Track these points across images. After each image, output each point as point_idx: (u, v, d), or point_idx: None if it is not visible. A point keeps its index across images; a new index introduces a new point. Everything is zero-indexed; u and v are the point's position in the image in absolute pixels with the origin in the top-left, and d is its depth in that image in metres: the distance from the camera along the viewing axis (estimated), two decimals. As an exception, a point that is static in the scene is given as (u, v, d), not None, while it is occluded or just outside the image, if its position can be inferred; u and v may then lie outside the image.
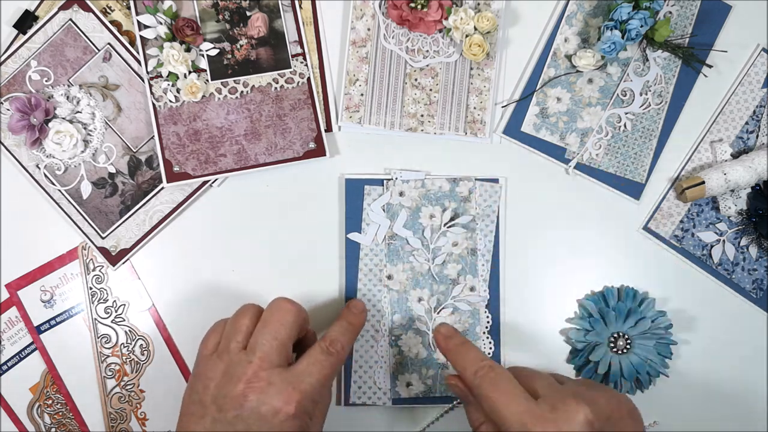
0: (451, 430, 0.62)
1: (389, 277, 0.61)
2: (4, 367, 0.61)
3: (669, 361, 0.61)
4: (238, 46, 0.59)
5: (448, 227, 0.61)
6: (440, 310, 0.61)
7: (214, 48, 0.59)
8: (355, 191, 0.61)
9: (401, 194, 0.60)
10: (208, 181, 0.60)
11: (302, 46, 0.60)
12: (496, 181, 0.61)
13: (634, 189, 0.62)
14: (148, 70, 0.59)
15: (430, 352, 0.61)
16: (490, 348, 0.61)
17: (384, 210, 0.60)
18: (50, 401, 0.61)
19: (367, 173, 0.61)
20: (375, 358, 0.61)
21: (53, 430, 0.61)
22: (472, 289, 0.61)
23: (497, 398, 0.49)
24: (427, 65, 0.60)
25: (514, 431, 0.47)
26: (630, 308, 0.60)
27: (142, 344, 0.61)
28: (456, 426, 0.62)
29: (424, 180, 0.61)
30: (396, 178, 0.60)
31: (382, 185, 0.61)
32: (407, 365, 0.61)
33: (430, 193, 0.61)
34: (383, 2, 0.60)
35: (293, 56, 0.60)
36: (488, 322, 0.61)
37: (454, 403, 0.61)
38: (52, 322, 0.61)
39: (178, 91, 0.59)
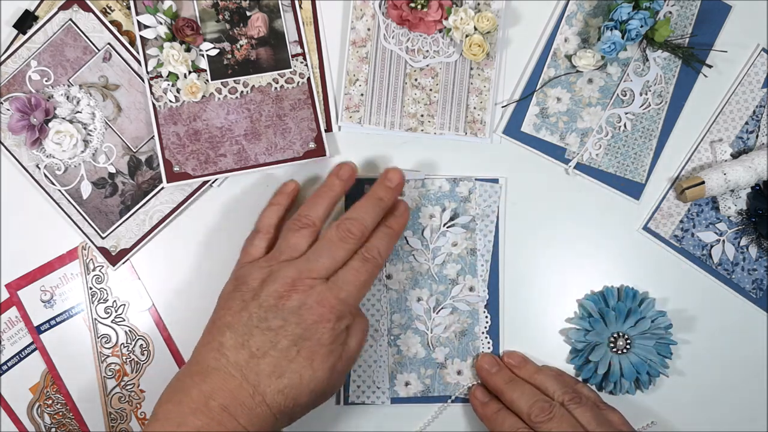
0: (449, 429, 0.62)
1: (388, 277, 0.61)
2: (4, 367, 0.61)
3: (669, 361, 0.61)
4: (238, 46, 0.59)
5: (447, 227, 0.61)
6: (439, 310, 0.61)
7: (214, 48, 0.59)
8: (354, 191, 0.60)
9: (401, 194, 0.60)
10: (208, 181, 0.60)
11: (302, 46, 0.60)
12: (496, 181, 0.61)
13: (634, 189, 0.62)
14: (148, 70, 0.59)
15: (429, 351, 0.61)
16: (489, 348, 0.61)
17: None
18: (50, 401, 0.61)
19: (368, 174, 0.61)
20: (374, 358, 0.61)
21: (53, 430, 0.61)
22: (471, 289, 0.61)
23: None
24: (427, 65, 0.60)
25: None
26: (630, 308, 0.60)
27: (142, 344, 0.61)
28: (453, 424, 0.62)
29: (424, 180, 0.61)
30: None
31: None
32: (406, 365, 0.61)
33: (430, 193, 0.61)
34: (383, 2, 0.60)
35: (293, 56, 0.60)
36: (487, 322, 0.61)
37: (451, 399, 0.61)
38: (52, 322, 0.61)
39: (178, 91, 0.59)
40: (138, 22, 0.58)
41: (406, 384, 0.61)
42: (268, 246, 0.56)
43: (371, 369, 0.61)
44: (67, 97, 0.59)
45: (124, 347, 0.61)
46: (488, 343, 0.61)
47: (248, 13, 0.59)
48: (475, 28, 0.59)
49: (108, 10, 0.60)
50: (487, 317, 0.61)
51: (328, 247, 0.53)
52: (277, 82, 0.60)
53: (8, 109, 0.58)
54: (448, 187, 0.61)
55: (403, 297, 0.61)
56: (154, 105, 0.59)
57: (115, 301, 0.61)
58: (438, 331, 0.61)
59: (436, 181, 0.61)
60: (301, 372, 0.51)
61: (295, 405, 0.51)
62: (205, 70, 0.59)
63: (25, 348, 0.61)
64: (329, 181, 0.57)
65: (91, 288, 0.61)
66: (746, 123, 0.62)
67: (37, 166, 0.59)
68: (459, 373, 0.61)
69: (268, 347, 0.50)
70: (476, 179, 0.61)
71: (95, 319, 0.61)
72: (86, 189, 0.60)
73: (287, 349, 0.50)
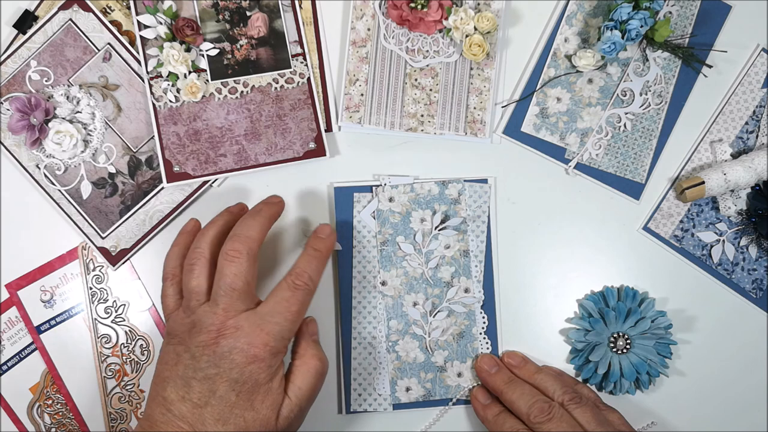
0: (451, 431, 0.62)
1: (383, 284, 0.61)
2: (4, 367, 0.61)
3: (669, 361, 0.61)
4: (238, 46, 0.59)
5: (439, 230, 0.61)
6: (436, 314, 0.61)
7: (214, 48, 0.59)
8: (344, 199, 0.61)
9: (391, 200, 0.60)
10: (208, 181, 0.60)
11: (302, 46, 0.60)
12: (485, 181, 0.61)
13: (634, 189, 0.62)
14: (148, 70, 0.59)
15: (428, 355, 0.61)
16: (488, 348, 0.61)
17: (374, 217, 0.60)
18: (50, 401, 0.61)
19: (364, 177, 0.61)
20: (373, 365, 0.61)
21: (53, 430, 0.61)
22: (466, 290, 0.61)
23: None
24: (427, 65, 0.60)
25: None
26: (630, 308, 0.60)
27: (142, 344, 0.61)
28: (455, 426, 0.62)
29: (413, 184, 0.61)
30: (385, 184, 0.60)
31: (371, 192, 0.61)
32: (406, 370, 0.61)
33: (420, 197, 0.61)
34: (383, 2, 0.60)
35: (293, 56, 0.60)
36: (485, 323, 0.61)
37: (452, 402, 0.61)
38: (52, 322, 0.61)
39: (178, 91, 0.59)
40: (138, 22, 0.58)
41: (407, 389, 0.61)
42: (178, 290, 0.55)
43: (371, 376, 0.61)
44: (67, 97, 0.59)
45: (124, 347, 0.61)
46: (487, 343, 0.61)
47: (248, 13, 0.59)
48: (475, 28, 0.59)
49: (108, 10, 0.60)
50: (484, 318, 0.61)
51: (224, 278, 0.51)
52: (277, 82, 0.60)
53: (8, 109, 0.58)
54: (437, 190, 0.61)
55: (398, 303, 0.61)
56: (154, 105, 0.59)
57: (115, 301, 0.61)
58: (436, 335, 0.61)
59: (425, 184, 0.61)
60: (244, 415, 0.50)
61: None
62: (205, 70, 0.59)
63: (25, 348, 0.61)
64: (219, 214, 0.57)
65: (91, 288, 0.61)
66: (746, 123, 0.62)
67: (37, 166, 0.59)
68: (459, 375, 0.61)
69: (208, 396, 0.50)
70: (465, 180, 0.61)
71: (95, 319, 0.61)
72: (86, 189, 0.60)
73: (226, 395, 0.50)
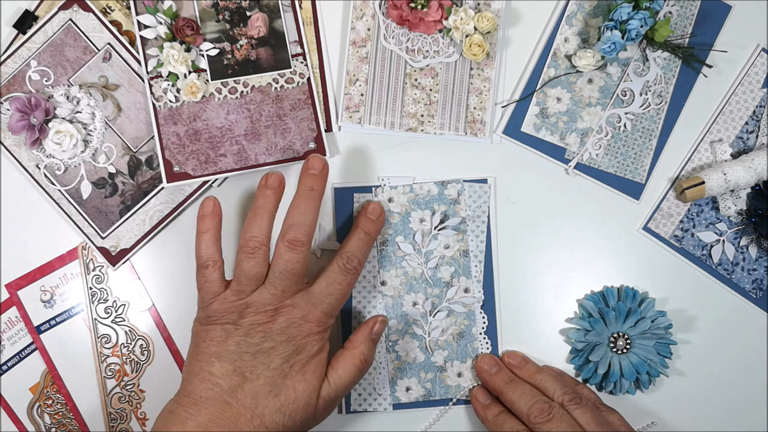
0: (451, 430, 0.62)
1: (383, 283, 0.61)
2: (4, 367, 0.61)
3: (669, 361, 0.61)
4: (238, 46, 0.59)
5: (438, 230, 0.61)
6: (436, 313, 0.61)
7: (214, 48, 0.59)
8: (344, 199, 0.61)
9: (390, 200, 0.60)
10: (208, 181, 0.60)
11: (302, 46, 0.60)
12: (484, 181, 0.61)
13: (634, 189, 0.62)
14: (148, 70, 0.59)
15: (428, 355, 0.61)
16: (488, 348, 0.61)
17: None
18: (50, 401, 0.61)
19: (365, 177, 0.61)
20: (374, 365, 0.61)
21: (53, 430, 0.61)
22: (466, 290, 0.61)
23: None
24: (427, 65, 0.60)
25: None
26: (630, 308, 0.60)
27: (142, 344, 0.61)
28: (455, 426, 0.62)
29: (413, 185, 0.61)
30: (384, 185, 0.60)
31: (371, 192, 0.61)
32: (406, 370, 0.61)
33: (419, 198, 0.61)
34: (383, 2, 0.60)
35: (293, 56, 0.60)
36: (485, 322, 0.61)
37: (452, 402, 0.61)
38: (52, 322, 0.61)
39: (178, 91, 0.59)
40: (138, 22, 0.58)
41: (407, 389, 0.61)
42: (221, 275, 0.54)
43: (371, 376, 0.61)
44: (67, 97, 0.59)
45: (124, 347, 0.61)
46: (487, 343, 0.61)
47: (248, 13, 0.59)
48: (475, 28, 0.59)
49: (108, 10, 0.60)
50: (484, 318, 0.61)
51: (284, 263, 0.53)
52: (277, 82, 0.60)
53: (8, 109, 0.58)
54: (437, 191, 0.61)
55: (398, 302, 0.61)
56: (154, 105, 0.59)
57: (115, 301, 0.61)
58: (436, 335, 0.61)
59: (424, 185, 0.61)
60: (295, 386, 0.52)
61: (293, 423, 0.52)
62: (205, 70, 0.59)
63: (25, 348, 0.61)
64: (261, 194, 0.55)
65: (91, 288, 0.61)
66: (746, 123, 0.62)
67: (37, 166, 0.59)
68: (459, 375, 0.61)
69: (261, 369, 0.51)
70: (464, 180, 0.61)
71: (95, 319, 0.61)
72: (86, 189, 0.60)
73: (280, 366, 0.52)
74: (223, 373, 0.51)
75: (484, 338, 0.61)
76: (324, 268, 0.56)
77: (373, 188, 0.60)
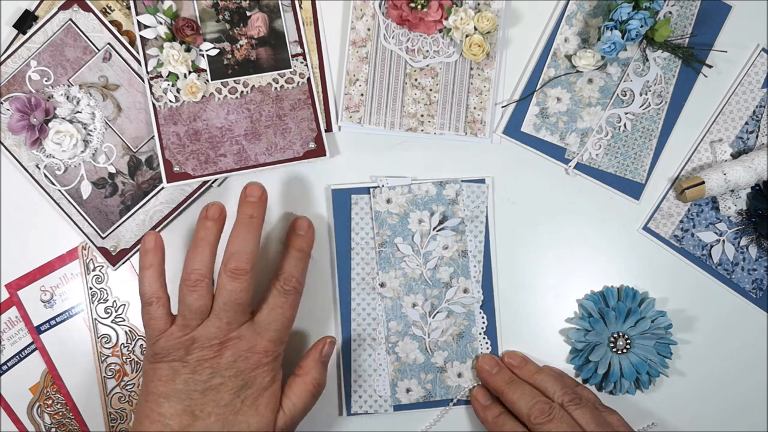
0: (451, 430, 0.62)
1: (382, 285, 0.61)
2: (4, 367, 0.61)
3: (669, 361, 0.61)
4: (238, 46, 0.59)
5: (437, 231, 0.61)
6: (435, 314, 0.61)
7: (214, 48, 0.59)
8: (342, 201, 0.61)
9: (388, 201, 0.60)
10: (208, 181, 0.60)
11: (302, 46, 0.60)
12: (482, 181, 0.61)
13: (634, 189, 0.62)
14: (148, 70, 0.59)
15: (428, 356, 0.61)
16: (488, 348, 0.61)
17: (373, 219, 0.60)
18: (50, 401, 0.61)
19: (365, 177, 0.61)
20: (374, 366, 0.61)
21: (53, 430, 0.61)
22: (465, 291, 0.61)
23: None
24: (427, 65, 0.60)
25: None
26: (630, 308, 0.60)
27: (142, 344, 0.61)
28: (456, 426, 0.62)
29: (411, 185, 0.61)
30: (382, 186, 0.60)
31: (369, 193, 0.61)
32: (406, 371, 0.61)
33: (417, 198, 0.61)
34: (383, 2, 0.60)
35: (293, 56, 0.60)
36: (484, 323, 0.61)
37: (453, 402, 0.61)
38: (52, 322, 0.61)
39: (178, 91, 0.59)
40: (138, 22, 0.58)
41: (408, 390, 0.61)
42: (166, 311, 0.54)
43: (371, 378, 0.61)
44: (67, 97, 0.59)
45: (124, 347, 0.61)
46: (486, 343, 0.61)
47: (248, 13, 0.59)
48: (475, 28, 0.59)
49: (108, 10, 0.60)
50: (483, 318, 0.61)
51: (228, 294, 0.52)
52: (277, 82, 0.60)
53: (8, 109, 0.58)
54: (435, 191, 0.61)
55: (398, 304, 0.61)
56: (154, 105, 0.59)
57: (115, 301, 0.61)
58: (435, 336, 0.61)
59: (422, 185, 0.61)
60: (248, 421, 0.51)
61: None
62: (205, 70, 0.59)
63: (25, 348, 0.61)
64: (201, 226, 0.55)
65: (91, 288, 0.61)
66: (746, 123, 0.62)
67: (37, 166, 0.59)
68: (459, 375, 0.61)
69: (211, 407, 0.51)
70: (462, 180, 0.61)
71: (95, 319, 0.61)
72: (86, 189, 0.60)
73: (231, 402, 0.51)
74: (173, 413, 0.50)
75: (484, 338, 0.61)
76: (264, 296, 0.55)
77: (371, 189, 0.60)
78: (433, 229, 0.61)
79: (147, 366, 0.53)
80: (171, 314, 0.54)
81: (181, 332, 0.52)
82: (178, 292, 0.53)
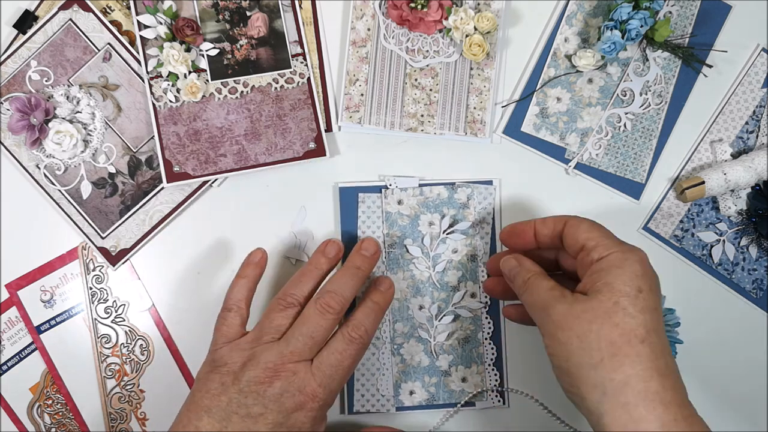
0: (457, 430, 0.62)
1: None
2: (4, 367, 0.61)
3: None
4: (238, 46, 0.59)
5: (447, 234, 0.61)
6: (441, 318, 0.61)
7: (214, 48, 0.59)
8: (349, 199, 0.61)
9: (400, 203, 0.60)
10: (208, 181, 0.60)
11: (302, 46, 0.60)
12: (489, 183, 0.61)
13: (634, 189, 0.62)
14: (148, 70, 0.59)
15: (433, 359, 0.61)
16: (493, 354, 0.61)
17: (383, 221, 0.60)
18: (50, 401, 0.61)
19: (365, 177, 0.61)
20: (377, 366, 0.60)
21: (53, 430, 0.61)
22: (473, 295, 0.61)
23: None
24: (427, 65, 0.60)
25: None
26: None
27: (142, 344, 0.61)
28: (462, 428, 0.62)
29: (422, 188, 0.61)
30: (393, 186, 0.60)
31: (380, 192, 0.60)
32: (410, 373, 0.61)
33: (429, 201, 0.61)
34: (383, 2, 0.60)
35: (293, 56, 0.60)
36: (490, 327, 0.61)
37: (458, 406, 0.61)
38: (52, 322, 0.61)
39: (178, 91, 0.59)
40: (138, 22, 0.58)
41: (411, 393, 0.61)
42: (242, 323, 0.54)
43: (375, 378, 0.60)
44: (67, 97, 0.59)
45: (124, 347, 0.61)
46: (492, 349, 0.61)
47: (248, 13, 0.59)
48: (475, 28, 0.59)
49: (108, 10, 0.60)
50: (489, 323, 0.61)
51: (307, 325, 0.51)
52: (277, 82, 0.60)
53: (8, 109, 0.58)
54: (447, 194, 0.61)
55: (404, 305, 0.61)
56: (154, 105, 0.59)
57: (115, 301, 0.61)
58: (441, 339, 0.61)
59: (434, 188, 0.61)
60: None
61: None
62: (205, 70, 0.59)
63: (25, 348, 0.61)
64: (315, 259, 0.55)
65: (91, 288, 0.61)
66: (746, 123, 0.62)
67: (37, 166, 0.59)
68: (463, 380, 0.61)
69: None
70: (472, 183, 0.61)
71: (95, 319, 0.61)
72: (86, 189, 0.60)
73: None
74: (209, 430, 0.49)
75: (490, 344, 0.61)
76: (329, 342, 0.53)
77: (383, 189, 0.60)
78: (443, 232, 0.60)
79: (201, 374, 0.53)
80: (244, 328, 0.54)
81: (247, 344, 0.52)
82: (267, 308, 0.53)
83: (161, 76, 0.59)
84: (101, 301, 0.61)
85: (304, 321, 0.52)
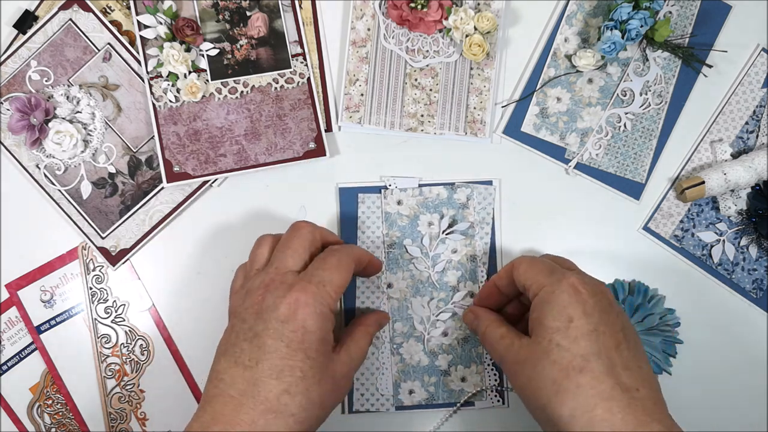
0: (457, 430, 0.62)
1: (389, 286, 0.61)
2: (4, 367, 0.61)
3: (671, 359, 0.61)
4: (238, 46, 0.59)
5: (446, 234, 0.61)
6: (441, 317, 0.61)
7: (214, 48, 0.59)
8: (349, 199, 0.61)
9: (399, 203, 0.60)
10: (208, 181, 0.60)
11: (302, 46, 0.60)
12: (489, 183, 0.61)
13: (634, 189, 0.62)
14: (148, 70, 0.59)
15: (432, 359, 0.61)
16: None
17: (383, 221, 0.60)
18: (50, 401, 0.61)
19: (365, 177, 0.61)
20: (377, 365, 0.60)
21: (53, 430, 0.61)
22: (472, 295, 0.61)
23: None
24: (427, 65, 0.60)
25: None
26: (639, 303, 0.60)
27: (142, 344, 0.61)
28: (461, 428, 0.62)
29: (422, 188, 0.61)
30: (392, 187, 0.60)
31: (379, 193, 0.60)
32: (409, 373, 0.61)
33: (428, 201, 0.61)
34: (383, 2, 0.60)
35: (293, 56, 0.60)
36: (489, 326, 0.61)
37: (458, 406, 0.61)
38: (52, 322, 0.61)
39: (178, 91, 0.59)
40: (138, 22, 0.58)
41: (410, 392, 0.61)
42: (244, 275, 0.55)
43: (374, 377, 0.60)
44: (67, 97, 0.59)
45: (124, 347, 0.61)
46: None
47: (248, 13, 0.59)
48: (475, 28, 0.59)
49: (108, 10, 0.60)
50: (488, 322, 0.61)
51: (283, 242, 0.53)
52: (277, 82, 0.60)
53: (8, 109, 0.58)
54: (446, 194, 0.61)
55: (404, 305, 0.61)
56: (154, 105, 0.59)
57: (115, 301, 0.61)
58: (440, 339, 0.61)
59: (433, 189, 0.61)
60: (300, 366, 0.48)
61: (308, 401, 0.49)
62: (205, 70, 0.59)
63: (25, 348, 0.61)
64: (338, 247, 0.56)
65: (91, 288, 0.61)
66: (746, 123, 0.62)
67: (37, 166, 0.59)
68: (463, 380, 0.61)
69: (258, 354, 0.48)
70: (472, 183, 0.61)
71: (95, 319, 0.61)
72: (86, 189, 0.60)
73: (275, 347, 0.48)
74: (226, 367, 0.49)
75: None
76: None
77: (382, 190, 0.60)
78: (443, 232, 0.60)
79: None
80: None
81: (241, 286, 0.53)
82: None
83: (161, 76, 0.59)
84: (101, 301, 0.61)
85: (281, 241, 0.53)
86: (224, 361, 0.50)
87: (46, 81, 0.59)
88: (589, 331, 0.47)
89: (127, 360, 0.61)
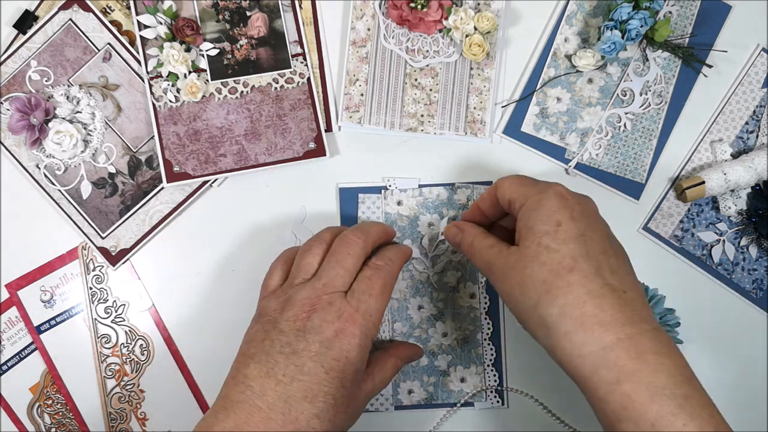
0: (456, 430, 0.62)
1: None
2: (4, 367, 0.61)
3: (669, 361, 0.61)
4: (238, 46, 0.59)
5: None
6: (441, 318, 0.61)
7: (214, 48, 0.59)
8: (349, 199, 0.61)
9: (399, 203, 0.60)
10: (208, 181, 0.60)
11: (302, 46, 0.60)
12: (489, 183, 0.61)
13: (634, 189, 0.62)
14: (148, 70, 0.59)
15: (431, 359, 0.61)
16: (492, 354, 0.61)
17: (383, 221, 0.60)
18: (50, 401, 0.61)
19: (365, 177, 0.61)
20: None
21: (53, 430, 0.61)
22: (471, 296, 0.61)
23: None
24: (427, 65, 0.60)
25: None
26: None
27: (142, 344, 0.61)
28: (460, 428, 0.62)
29: (422, 188, 0.61)
30: (392, 187, 0.60)
31: (379, 193, 0.61)
32: (409, 373, 0.61)
33: (428, 202, 0.61)
34: (383, 2, 0.60)
35: (293, 56, 0.60)
36: (489, 328, 0.61)
37: (457, 406, 0.61)
38: (52, 322, 0.61)
39: (178, 91, 0.59)
40: (138, 22, 0.58)
41: (409, 392, 0.61)
42: (286, 274, 0.54)
43: None
44: (67, 97, 0.59)
45: (124, 347, 0.61)
46: (491, 349, 0.61)
47: (248, 13, 0.59)
48: (475, 28, 0.59)
49: (108, 10, 0.60)
50: (488, 323, 0.61)
51: (335, 256, 0.52)
52: (277, 82, 0.60)
53: (8, 109, 0.58)
54: (446, 195, 0.61)
55: (403, 306, 0.61)
56: (154, 105, 0.59)
57: (115, 301, 0.61)
58: (440, 339, 0.61)
59: (433, 189, 0.61)
60: (333, 393, 0.48)
61: (333, 427, 0.49)
62: (205, 70, 0.59)
63: (25, 348, 0.61)
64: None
65: (91, 288, 0.61)
66: (746, 123, 0.62)
67: (37, 166, 0.59)
68: (462, 380, 0.61)
69: (294, 372, 0.48)
70: (472, 183, 0.61)
71: (95, 319, 0.61)
72: (86, 189, 0.60)
73: (314, 371, 0.48)
74: (257, 374, 0.48)
75: (489, 344, 0.61)
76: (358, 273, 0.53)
77: (382, 190, 0.60)
78: (443, 233, 0.61)
79: (247, 332, 0.52)
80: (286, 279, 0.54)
81: (281, 291, 0.52)
82: (296, 257, 0.54)
83: (161, 76, 0.59)
84: (101, 301, 0.61)
85: (332, 254, 0.52)
86: (254, 367, 0.49)
87: (46, 81, 0.59)
88: (577, 235, 0.47)
89: (127, 360, 0.61)
